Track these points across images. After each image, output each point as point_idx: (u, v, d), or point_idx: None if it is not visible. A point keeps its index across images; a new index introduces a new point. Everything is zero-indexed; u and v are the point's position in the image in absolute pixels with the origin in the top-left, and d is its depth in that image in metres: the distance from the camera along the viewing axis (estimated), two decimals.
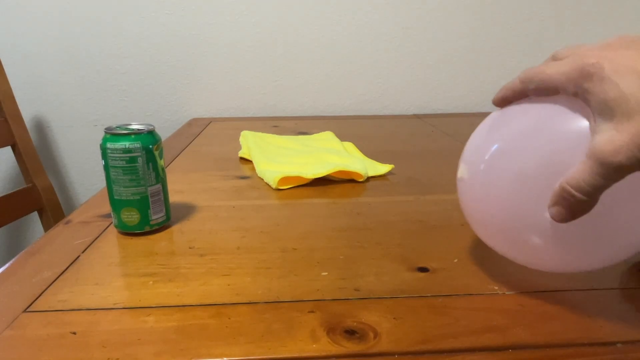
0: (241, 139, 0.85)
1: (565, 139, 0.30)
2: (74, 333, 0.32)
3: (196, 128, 1.04)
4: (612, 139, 0.27)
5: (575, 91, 0.30)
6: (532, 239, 0.33)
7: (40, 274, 0.40)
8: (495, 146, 0.34)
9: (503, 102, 0.36)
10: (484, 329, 0.32)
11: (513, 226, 0.34)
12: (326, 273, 0.40)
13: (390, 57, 1.20)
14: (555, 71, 0.31)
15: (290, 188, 0.63)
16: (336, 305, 0.35)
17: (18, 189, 0.98)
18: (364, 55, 1.19)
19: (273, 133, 0.91)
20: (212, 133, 0.99)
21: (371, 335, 0.32)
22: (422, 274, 0.40)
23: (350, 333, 0.32)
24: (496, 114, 0.36)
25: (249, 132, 0.89)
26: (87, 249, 0.45)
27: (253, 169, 0.71)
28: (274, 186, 0.62)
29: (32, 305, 0.35)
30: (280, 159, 0.72)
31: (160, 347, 0.30)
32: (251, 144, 0.78)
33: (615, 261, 0.33)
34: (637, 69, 0.27)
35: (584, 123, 0.30)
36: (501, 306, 0.35)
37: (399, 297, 0.36)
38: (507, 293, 0.37)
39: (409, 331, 0.32)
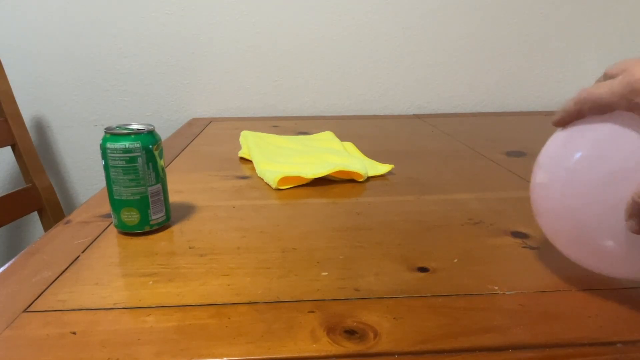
0: (241, 139, 0.85)
1: (636, 150, 0.32)
2: (74, 333, 0.32)
3: (196, 128, 1.04)
4: None
5: (629, 107, 0.31)
6: (610, 245, 0.34)
7: (40, 274, 0.40)
8: (578, 154, 0.35)
9: (562, 123, 0.37)
10: (484, 329, 0.32)
11: (593, 231, 0.34)
12: (326, 273, 0.40)
13: (390, 57, 1.20)
14: (607, 91, 0.32)
15: (290, 188, 0.63)
16: (336, 305, 0.35)
17: (18, 189, 0.98)
18: (364, 55, 1.19)
19: (273, 133, 0.91)
20: (212, 133, 0.99)
21: (371, 335, 0.32)
22: (422, 274, 0.40)
23: (350, 333, 0.32)
24: (564, 130, 0.38)
25: (249, 132, 0.89)
26: (87, 249, 0.45)
27: (253, 169, 0.71)
28: (274, 186, 0.62)
29: (32, 305, 0.35)
30: (280, 159, 0.72)
31: (160, 347, 0.30)
32: (251, 144, 0.78)
33: None
34: None
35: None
36: (501, 306, 0.35)
37: (399, 297, 0.36)
38: (507, 293, 0.37)
39: (409, 331, 0.32)
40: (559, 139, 0.38)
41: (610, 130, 0.34)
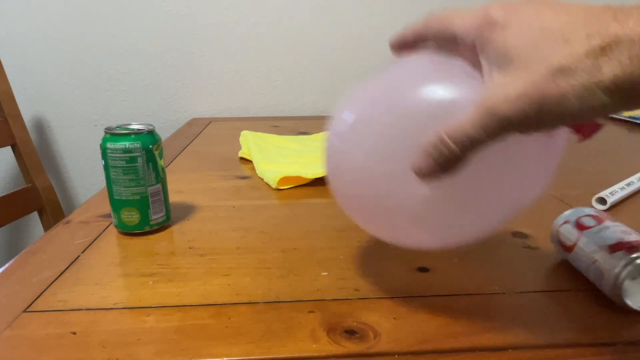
0: (241, 139, 0.85)
1: (435, 103, 0.29)
2: (74, 333, 0.32)
3: (196, 128, 1.04)
4: (505, 88, 0.25)
5: (473, 40, 0.28)
6: (393, 213, 0.31)
7: (40, 274, 0.40)
8: (350, 116, 0.32)
9: (399, 44, 0.34)
10: (484, 329, 0.32)
11: (374, 201, 0.32)
12: (326, 273, 0.40)
13: (390, 57, 1.20)
14: (460, 18, 0.29)
15: (290, 188, 0.63)
16: (336, 305, 0.35)
17: (18, 189, 0.98)
18: (364, 55, 1.19)
19: (273, 133, 0.91)
20: (212, 133, 0.99)
21: (371, 335, 0.32)
22: (422, 274, 0.40)
23: (350, 333, 0.32)
24: (368, 78, 0.34)
25: (249, 132, 0.89)
26: (87, 249, 0.45)
27: (253, 169, 0.71)
28: (274, 186, 0.62)
29: (32, 305, 0.35)
30: (280, 159, 0.72)
31: (160, 347, 0.30)
32: (251, 144, 0.78)
33: (483, 234, 0.32)
34: (540, 19, 0.26)
35: (466, 84, 0.28)
36: (501, 306, 0.35)
37: (399, 297, 0.36)
38: (507, 293, 0.37)
39: (409, 331, 0.32)
40: (353, 94, 0.34)
41: (398, 80, 0.30)
